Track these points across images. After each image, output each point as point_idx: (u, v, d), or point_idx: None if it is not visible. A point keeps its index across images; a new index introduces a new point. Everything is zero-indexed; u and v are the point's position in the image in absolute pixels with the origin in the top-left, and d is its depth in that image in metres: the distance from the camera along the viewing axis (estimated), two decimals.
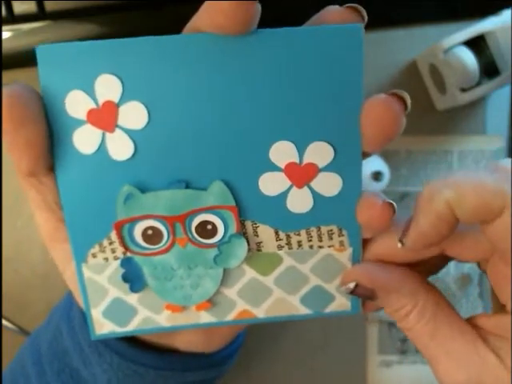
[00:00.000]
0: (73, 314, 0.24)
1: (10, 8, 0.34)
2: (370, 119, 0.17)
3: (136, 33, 0.35)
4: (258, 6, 0.15)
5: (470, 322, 0.19)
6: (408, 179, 0.38)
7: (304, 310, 0.20)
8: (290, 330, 0.38)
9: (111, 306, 0.20)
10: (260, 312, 0.20)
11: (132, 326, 0.20)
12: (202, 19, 0.16)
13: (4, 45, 0.35)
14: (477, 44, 0.32)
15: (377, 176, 0.35)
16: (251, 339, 0.37)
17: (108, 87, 0.17)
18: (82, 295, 0.20)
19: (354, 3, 0.17)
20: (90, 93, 0.17)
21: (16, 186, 0.36)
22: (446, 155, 0.38)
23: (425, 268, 0.21)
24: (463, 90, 0.33)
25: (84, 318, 0.23)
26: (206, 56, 0.16)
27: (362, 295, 0.19)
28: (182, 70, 0.17)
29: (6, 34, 0.35)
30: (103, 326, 0.20)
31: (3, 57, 0.35)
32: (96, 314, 0.20)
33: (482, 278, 0.38)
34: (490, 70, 0.33)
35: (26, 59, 0.35)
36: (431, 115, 0.37)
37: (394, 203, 0.18)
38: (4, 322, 0.37)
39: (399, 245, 0.18)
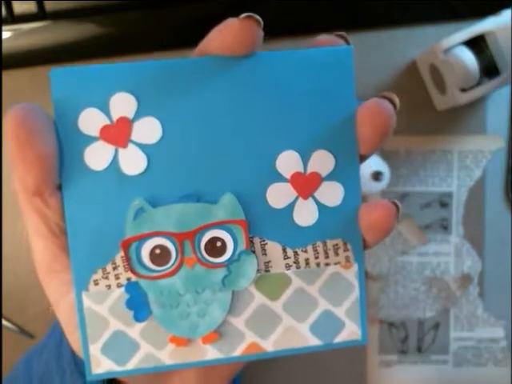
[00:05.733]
0: (62, 351, 0.24)
1: (10, 8, 0.34)
2: (365, 119, 0.18)
3: (136, 33, 0.35)
4: (261, 31, 0.17)
5: None
6: (408, 179, 0.38)
7: (314, 341, 0.20)
8: None
9: (111, 341, 0.19)
10: (268, 345, 0.19)
11: (132, 365, 0.19)
12: (211, 41, 0.17)
13: (4, 45, 0.35)
14: (477, 44, 0.32)
15: (377, 176, 0.35)
16: None
17: (123, 104, 0.17)
18: (80, 328, 0.19)
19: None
20: (105, 110, 0.17)
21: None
22: (445, 155, 0.38)
23: None
24: (463, 90, 0.33)
25: (73, 357, 0.23)
26: (214, 75, 0.18)
27: None
28: (192, 89, 0.18)
29: (6, 34, 0.35)
30: (101, 363, 0.19)
31: (3, 57, 0.35)
32: (94, 350, 0.19)
33: (481, 277, 0.38)
34: (490, 69, 0.33)
35: (26, 59, 0.36)
36: (431, 115, 0.37)
37: (398, 201, 0.19)
38: (4, 322, 0.37)
39: None
